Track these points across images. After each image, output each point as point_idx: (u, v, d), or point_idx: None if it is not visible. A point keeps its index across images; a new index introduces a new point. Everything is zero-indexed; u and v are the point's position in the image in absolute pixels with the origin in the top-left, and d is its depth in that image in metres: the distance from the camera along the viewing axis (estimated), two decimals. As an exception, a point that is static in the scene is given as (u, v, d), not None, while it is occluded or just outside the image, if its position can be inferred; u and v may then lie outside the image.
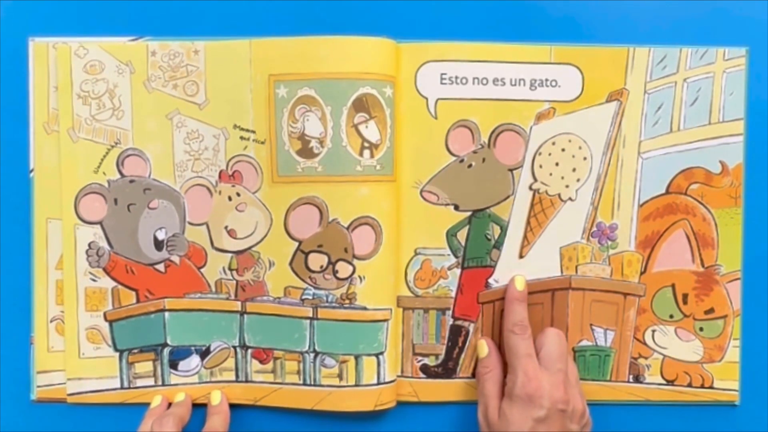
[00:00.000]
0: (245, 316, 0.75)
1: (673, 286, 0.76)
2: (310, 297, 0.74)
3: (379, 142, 0.72)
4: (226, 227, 0.75)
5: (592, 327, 0.76)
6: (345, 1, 0.75)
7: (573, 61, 0.75)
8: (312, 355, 0.74)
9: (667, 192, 0.75)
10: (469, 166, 0.75)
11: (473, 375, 0.76)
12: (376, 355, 0.74)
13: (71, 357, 0.75)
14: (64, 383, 0.75)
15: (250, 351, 0.75)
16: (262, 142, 0.73)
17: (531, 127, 0.75)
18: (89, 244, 0.74)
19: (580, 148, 0.75)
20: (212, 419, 0.73)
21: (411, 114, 0.74)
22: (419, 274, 0.76)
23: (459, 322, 0.76)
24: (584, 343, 0.76)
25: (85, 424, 0.76)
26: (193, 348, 0.75)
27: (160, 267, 0.75)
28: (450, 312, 0.76)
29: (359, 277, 0.73)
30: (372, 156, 0.72)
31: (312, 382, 0.75)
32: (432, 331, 0.76)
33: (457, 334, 0.76)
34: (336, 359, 0.74)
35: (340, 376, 0.74)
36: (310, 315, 0.74)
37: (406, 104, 0.74)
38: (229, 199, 0.74)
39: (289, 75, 0.72)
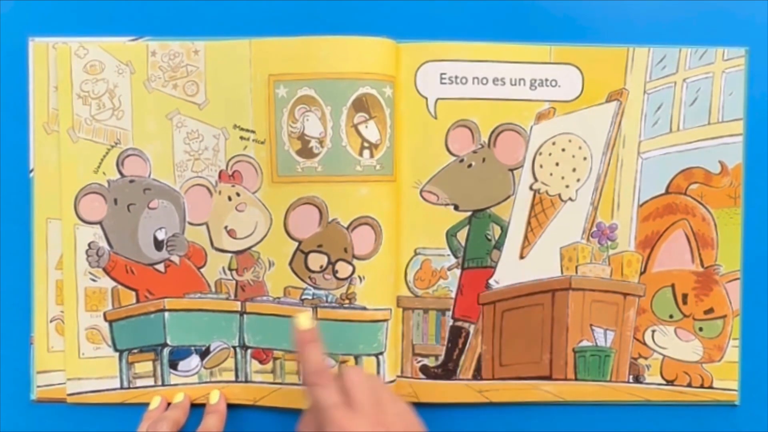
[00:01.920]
0: (245, 316, 0.75)
1: (672, 286, 0.76)
2: (310, 297, 0.74)
3: (379, 142, 0.72)
4: (225, 227, 0.75)
5: (592, 327, 0.76)
6: (345, 1, 0.75)
7: (573, 61, 0.75)
8: (312, 354, 0.75)
9: (667, 192, 0.75)
10: (469, 166, 0.75)
11: (473, 377, 0.76)
12: (376, 356, 0.74)
13: (71, 357, 0.75)
14: (64, 383, 0.75)
15: (249, 351, 0.75)
16: (262, 142, 0.73)
17: (531, 127, 0.75)
18: (89, 244, 0.74)
19: (580, 148, 0.75)
20: (208, 418, 0.73)
21: (411, 114, 0.74)
22: (419, 274, 0.76)
23: (459, 323, 0.76)
24: (584, 343, 0.76)
25: (85, 424, 0.76)
26: (192, 348, 0.75)
27: (160, 267, 0.75)
28: (450, 313, 0.76)
29: (359, 277, 0.73)
30: (372, 156, 0.72)
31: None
32: (432, 331, 0.76)
33: (457, 335, 0.76)
34: (335, 359, 0.74)
35: (339, 376, 0.74)
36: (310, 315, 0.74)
37: (405, 104, 0.74)
38: (229, 199, 0.74)
39: (288, 75, 0.72)
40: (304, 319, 0.67)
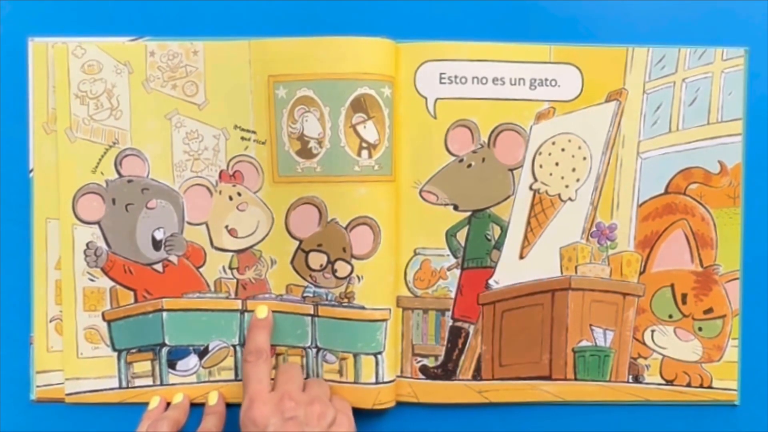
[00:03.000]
0: (246, 314, 0.75)
1: (672, 286, 0.76)
2: (311, 295, 0.74)
3: (378, 142, 0.72)
4: (226, 226, 0.75)
5: (592, 327, 0.76)
6: (344, 1, 0.75)
7: (572, 61, 0.75)
8: (314, 350, 0.75)
9: (666, 192, 0.75)
10: (469, 165, 0.75)
11: (473, 377, 0.76)
12: (375, 355, 0.74)
13: (69, 357, 0.75)
14: (63, 383, 0.75)
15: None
16: (263, 143, 0.73)
17: (531, 127, 0.75)
18: (87, 244, 0.74)
19: (579, 148, 0.75)
20: (207, 419, 0.73)
21: (410, 114, 0.74)
22: (419, 274, 0.76)
23: (458, 324, 0.76)
24: (584, 343, 0.76)
25: (85, 424, 0.76)
26: (191, 348, 0.75)
27: (158, 267, 0.75)
28: (449, 313, 0.76)
29: (357, 276, 0.73)
30: (370, 156, 0.72)
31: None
32: (431, 331, 0.76)
33: (456, 336, 0.76)
34: (336, 356, 0.74)
35: (340, 372, 0.74)
36: (311, 312, 0.74)
37: (405, 104, 0.74)
38: (230, 198, 0.74)
39: (288, 75, 0.72)
40: (261, 310, 0.74)
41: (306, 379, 0.73)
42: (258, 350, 0.71)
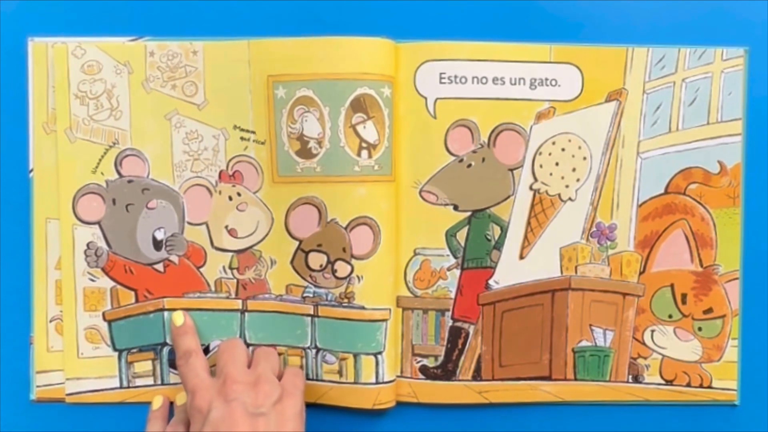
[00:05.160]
0: (246, 314, 0.75)
1: (672, 286, 0.76)
2: (311, 295, 0.74)
3: (377, 142, 0.72)
4: (226, 227, 0.75)
5: (592, 327, 0.76)
6: (343, 1, 0.75)
7: (572, 61, 0.75)
8: (314, 350, 0.75)
9: (666, 192, 0.75)
10: (469, 165, 0.75)
11: (473, 377, 0.76)
12: (375, 355, 0.74)
13: (70, 357, 0.75)
14: (64, 383, 0.75)
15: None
16: (263, 143, 0.73)
17: (531, 127, 0.75)
18: (87, 245, 0.74)
19: (579, 147, 0.75)
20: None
21: (410, 114, 0.74)
22: (418, 274, 0.76)
23: (458, 324, 0.76)
24: (584, 343, 0.76)
25: (85, 424, 0.76)
26: (192, 348, 0.75)
27: (159, 267, 0.75)
28: (449, 313, 0.76)
29: (357, 276, 0.73)
30: (370, 156, 0.72)
31: (314, 377, 0.75)
32: (431, 332, 0.76)
33: (456, 336, 0.76)
34: (336, 356, 0.74)
35: (339, 373, 0.74)
36: (311, 312, 0.74)
37: (405, 104, 0.74)
38: (230, 198, 0.74)
39: (287, 76, 0.72)
40: (177, 317, 0.74)
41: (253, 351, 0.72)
42: (187, 352, 0.71)
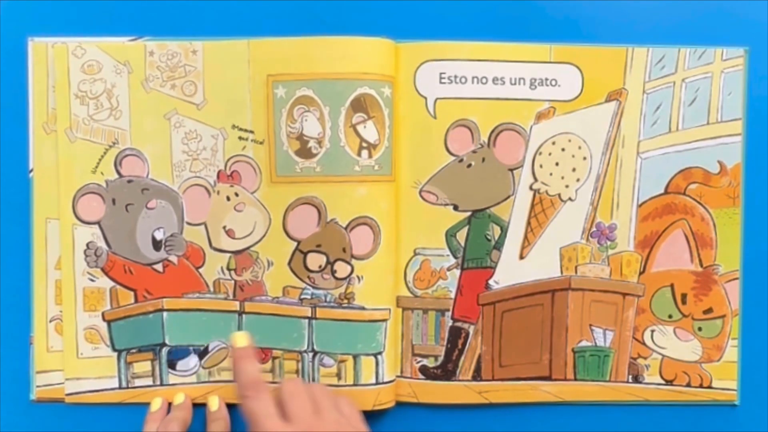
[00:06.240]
0: (244, 316, 0.75)
1: (671, 286, 0.76)
2: (309, 297, 0.74)
3: (377, 142, 0.72)
4: (224, 227, 0.75)
5: (592, 327, 0.76)
6: (344, 1, 0.75)
7: (572, 61, 0.75)
8: (311, 354, 0.75)
9: (666, 192, 0.75)
10: (469, 165, 0.75)
11: (473, 378, 0.76)
12: (375, 355, 0.74)
13: (69, 357, 0.75)
14: (63, 383, 0.75)
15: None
16: (261, 143, 0.73)
17: (531, 127, 0.75)
18: (87, 245, 0.74)
19: (579, 147, 0.75)
20: (213, 425, 0.73)
21: (410, 114, 0.74)
22: (418, 274, 0.76)
23: (458, 324, 0.76)
24: (584, 343, 0.76)
25: (85, 424, 0.76)
26: (191, 348, 0.75)
27: (159, 267, 0.75)
28: (449, 313, 0.76)
29: (357, 276, 0.73)
30: (370, 156, 0.72)
31: (311, 381, 0.75)
32: (431, 332, 0.76)
33: (456, 336, 0.76)
34: (334, 359, 0.74)
35: (338, 376, 0.74)
36: (309, 314, 0.74)
37: (405, 104, 0.74)
38: (228, 199, 0.74)
39: (287, 75, 0.72)
40: (241, 338, 0.69)
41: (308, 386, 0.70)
42: (255, 383, 0.67)
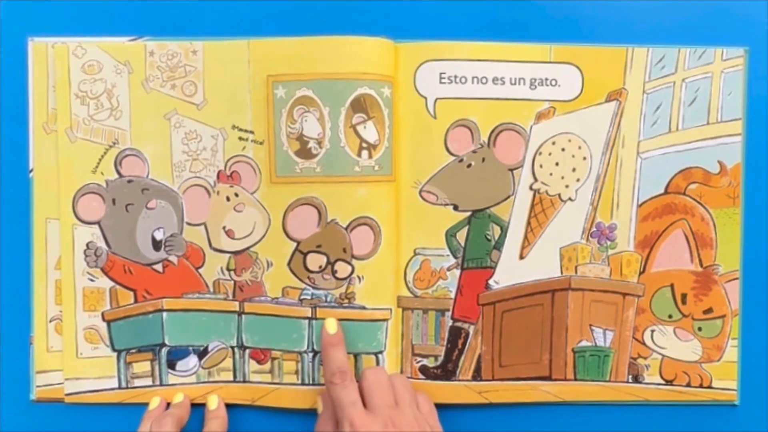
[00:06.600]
0: (243, 316, 0.75)
1: (671, 286, 0.76)
2: (309, 297, 0.74)
3: (378, 142, 0.72)
4: (224, 227, 0.75)
5: (592, 327, 0.76)
6: (343, 1, 0.75)
7: (572, 61, 0.75)
8: (311, 354, 0.75)
9: (666, 192, 0.75)
10: (469, 165, 0.75)
11: (473, 377, 0.76)
12: (375, 355, 0.74)
13: (69, 357, 0.75)
14: (63, 383, 0.75)
15: (248, 351, 0.75)
16: (261, 143, 0.73)
17: (531, 127, 0.75)
18: (87, 245, 0.74)
19: (579, 147, 0.75)
20: (210, 424, 0.73)
21: (410, 114, 0.74)
22: (418, 274, 0.76)
23: (458, 324, 0.76)
24: (584, 343, 0.76)
25: (84, 424, 0.76)
26: (190, 348, 0.75)
27: (158, 267, 0.75)
28: (449, 313, 0.76)
29: (358, 277, 0.73)
30: (370, 156, 0.72)
31: (311, 382, 0.75)
32: (431, 332, 0.76)
33: (456, 336, 0.76)
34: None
35: (339, 376, 0.74)
36: (309, 315, 0.74)
37: (405, 104, 0.74)
38: (228, 199, 0.74)
39: (287, 75, 0.72)
40: (331, 324, 0.72)
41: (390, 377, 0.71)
42: (341, 371, 0.69)
